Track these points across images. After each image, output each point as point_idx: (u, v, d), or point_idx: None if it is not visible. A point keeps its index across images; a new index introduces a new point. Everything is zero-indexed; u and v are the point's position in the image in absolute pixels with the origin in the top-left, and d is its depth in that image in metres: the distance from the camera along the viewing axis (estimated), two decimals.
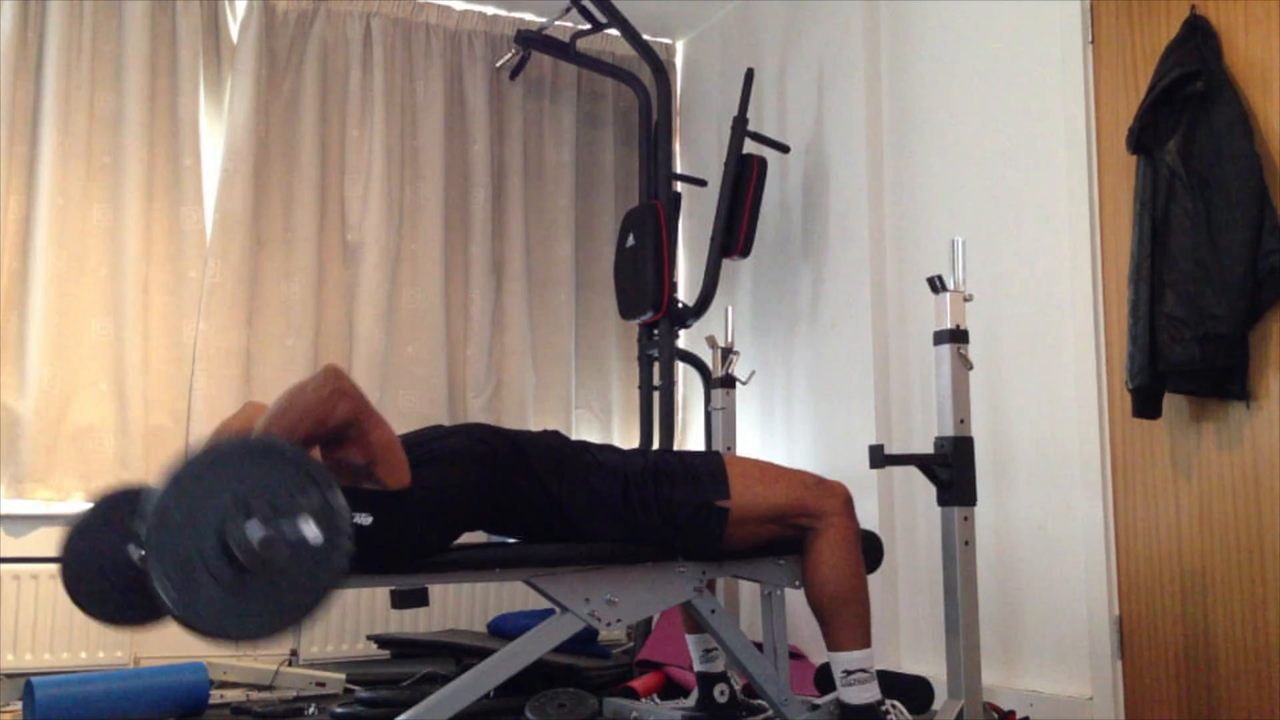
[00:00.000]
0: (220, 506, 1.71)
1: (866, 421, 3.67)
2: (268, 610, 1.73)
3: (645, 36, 4.18)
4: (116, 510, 2.27)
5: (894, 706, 2.46)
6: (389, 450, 2.08)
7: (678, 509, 2.33)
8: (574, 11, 4.20)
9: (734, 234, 3.86)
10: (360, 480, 2.07)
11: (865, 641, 2.36)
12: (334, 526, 1.77)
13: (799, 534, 2.40)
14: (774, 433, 4.13)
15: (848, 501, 2.42)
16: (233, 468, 1.74)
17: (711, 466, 2.39)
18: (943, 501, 2.58)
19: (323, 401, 1.95)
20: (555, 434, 2.46)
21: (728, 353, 3.34)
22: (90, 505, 2.28)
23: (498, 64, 4.47)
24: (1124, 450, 2.91)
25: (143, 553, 2.05)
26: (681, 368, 4.11)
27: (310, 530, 1.75)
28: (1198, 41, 2.68)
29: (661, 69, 4.13)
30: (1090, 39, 3.05)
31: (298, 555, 1.74)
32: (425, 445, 2.19)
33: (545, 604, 2.40)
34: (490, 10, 4.50)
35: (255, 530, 1.70)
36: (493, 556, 2.30)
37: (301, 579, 1.75)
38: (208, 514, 1.70)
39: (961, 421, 2.57)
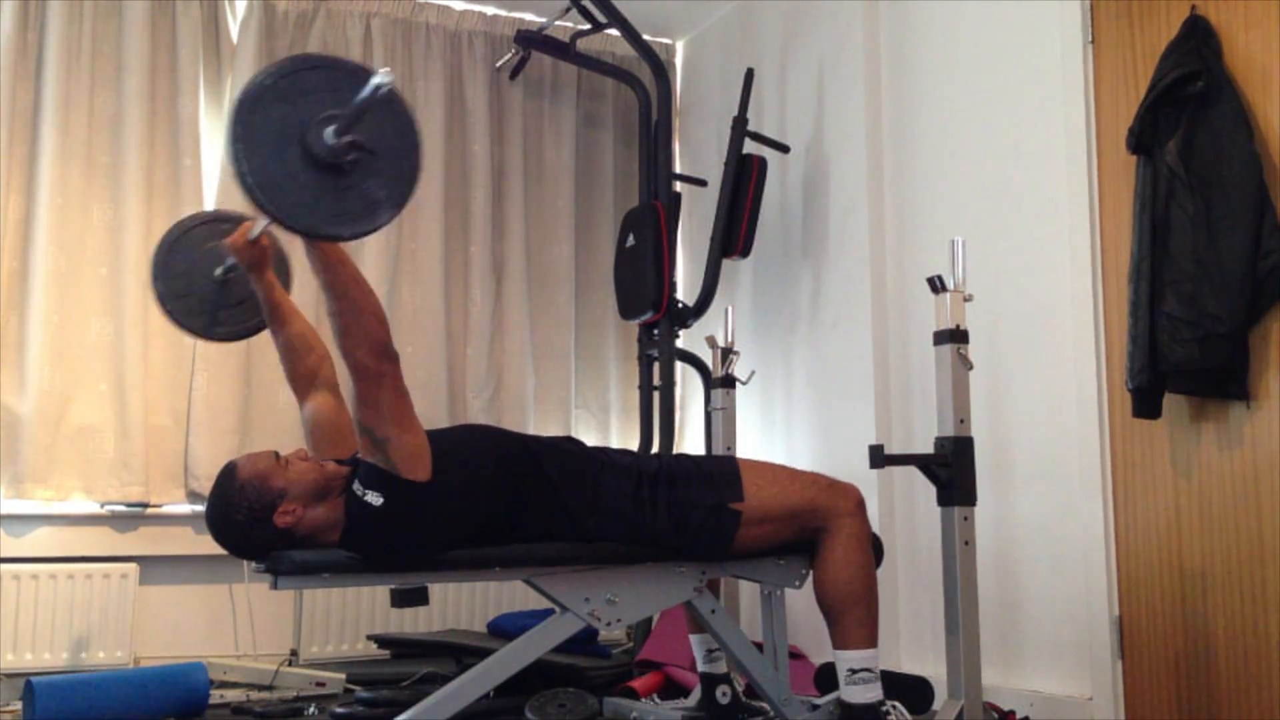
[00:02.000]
0: (297, 118, 1.82)
1: (866, 421, 3.67)
2: (327, 208, 1.84)
3: (645, 36, 4.18)
4: (198, 230, 2.61)
5: (894, 707, 2.46)
6: (410, 451, 2.11)
7: (690, 510, 2.33)
8: (574, 11, 4.20)
9: (734, 234, 3.86)
10: (376, 455, 2.10)
11: (872, 641, 2.37)
12: (407, 125, 1.91)
13: (810, 535, 2.41)
14: (774, 433, 4.13)
15: (860, 503, 2.43)
16: (335, 78, 1.87)
17: (725, 469, 2.41)
18: (943, 501, 2.58)
19: (377, 318, 2.12)
20: (569, 439, 2.47)
21: (728, 353, 3.34)
22: (173, 227, 2.63)
23: (498, 64, 4.46)
24: (1124, 450, 2.91)
25: (227, 270, 2.51)
26: (681, 368, 4.11)
27: (389, 128, 1.88)
28: (1198, 41, 2.68)
29: (661, 69, 4.13)
30: (1090, 39, 3.05)
31: (378, 152, 1.86)
32: (441, 444, 2.19)
33: (545, 604, 2.40)
34: (490, 10, 4.50)
35: (333, 133, 1.81)
36: (493, 556, 2.30)
37: (387, 171, 1.88)
38: (288, 127, 1.81)
39: (961, 421, 2.57)
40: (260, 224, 2.37)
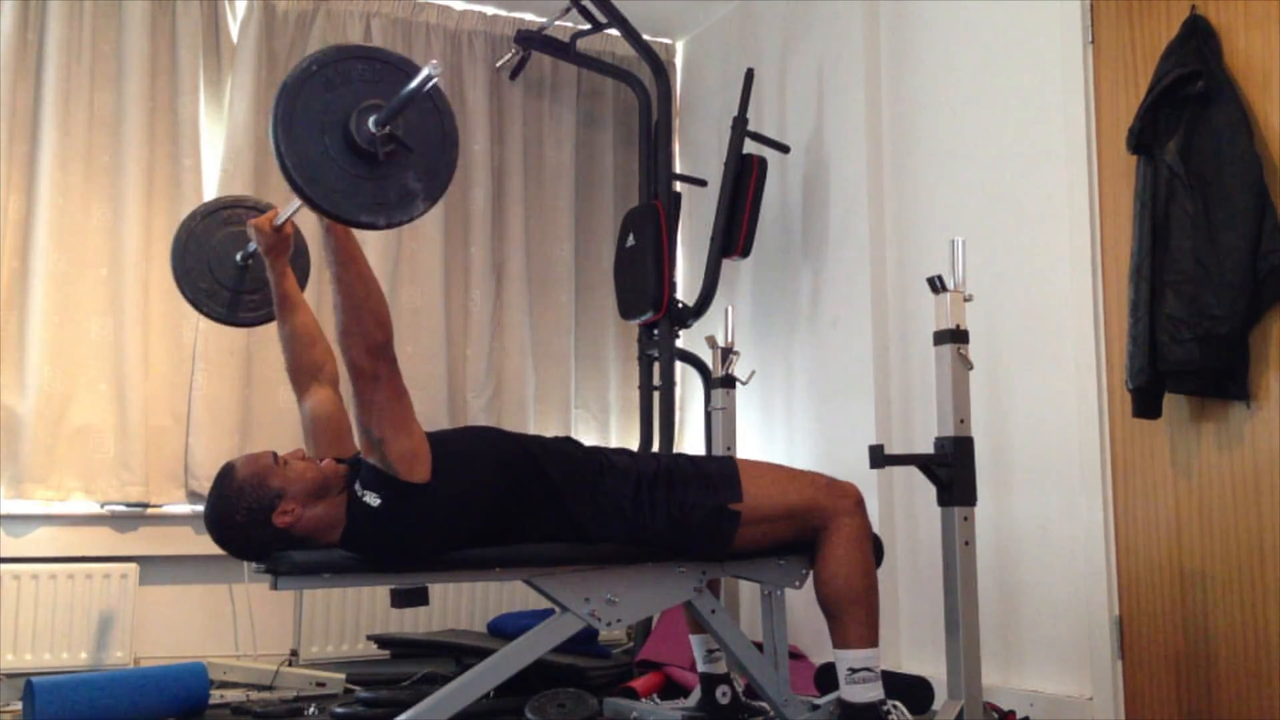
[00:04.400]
0: (339, 105, 1.84)
1: (866, 421, 3.67)
2: (370, 197, 1.86)
3: (645, 36, 4.18)
4: (220, 215, 2.64)
5: (894, 706, 2.46)
6: (407, 453, 2.10)
7: (690, 511, 2.33)
8: (574, 11, 4.20)
9: (734, 234, 3.86)
10: (373, 455, 2.10)
11: (872, 641, 2.37)
12: (447, 119, 1.93)
13: (810, 535, 2.41)
14: (774, 433, 4.13)
15: (859, 502, 2.43)
16: (382, 70, 1.89)
17: (724, 469, 2.41)
18: (943, 501, 2.58)
19: (378, 320, 2.15)
20: (568, 440, 2.47)
21: (728, 353, 3.34)
22: (197, 210, 2.66)
23: (498, 64, 4.46)
24: (1124, 450, 2.91)
25: (246, 255, 2.58)
26: (681, 368, 4.11)
27: (430, 123, 1.90)
28: (1198, 41, 2.68)
29: (661, 69, 4.13)
30: (1090, 39, 3.05)
31: (417, 142, 1.88)
32: (441, 446, 2.19)
33: (545, 604, 2.40)
34: (490, 10, 4.50)
35: (375, 123, 1.83)
36: (493, 556, 2.30)
37: (424, 163, 1.90)
38: (330, 114, 1.84)
39: (961, 421, 2.57)
40: (289, 210, 2.39)
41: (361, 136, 1.83)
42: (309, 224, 2.43)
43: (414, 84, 1.80)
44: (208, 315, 2.70)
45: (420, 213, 1.92)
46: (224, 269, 2.67)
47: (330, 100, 1.84)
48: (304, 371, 2.50)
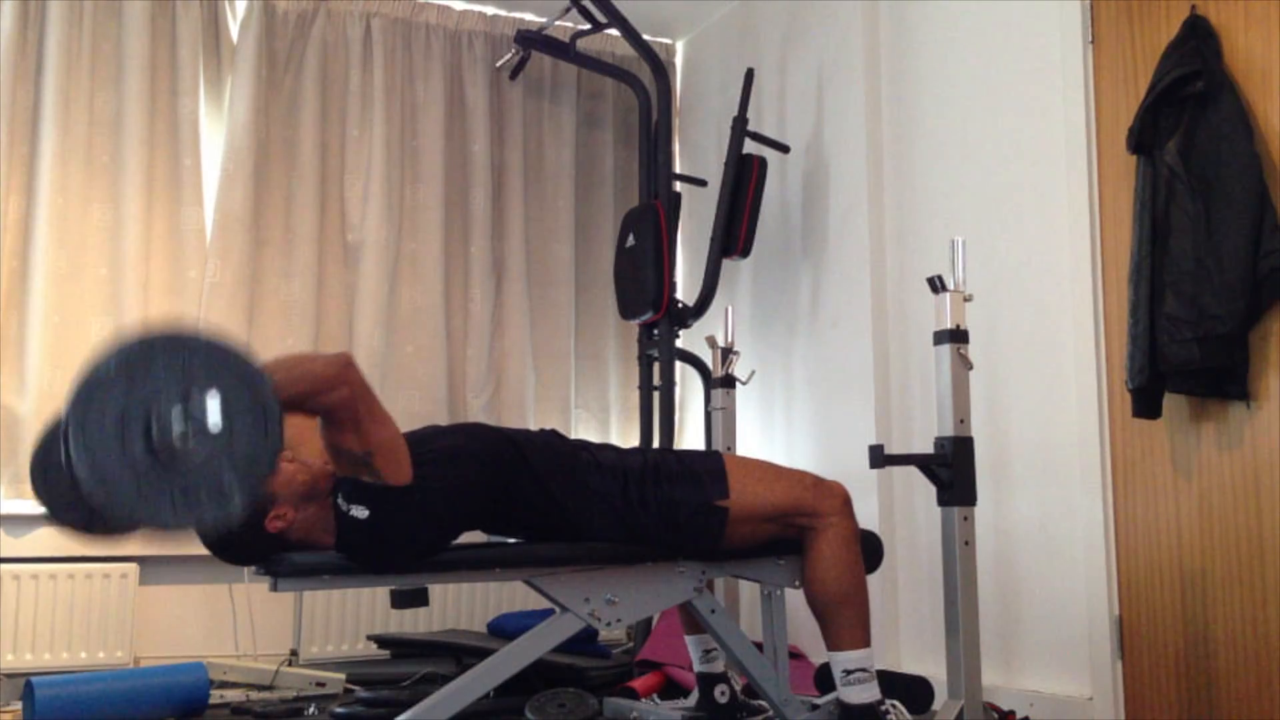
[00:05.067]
0: (150, 390, 1.68)
1: (866, 421, 3.67)
2: (176, 502, 1.69)
3: (645, 36, 4.18)
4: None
5: (894, 706, 2.46)
6: (390, 449, 2.08)
7: (677, 508, 2.33)
8: (574, 11, 4.20)
9: (734, 234, 3.86)
10: (360, 472, 2.07)
11: (865, 641, 2.37)
12: (261, 434, 1.74)
13: (797, 534, 2.41)
14: (774, 433, 4.13)
15: (846, 501, 2.42)
16: (173, 357, 1.71)
17: (711, 466, 2.40)
18: (943, 501, 2.58)
19: (322, 377, 1.97)
20: (553, 433, 2.46)
21: (728, 353, 3.34)
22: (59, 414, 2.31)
23: (498, 64, 4.47)
24: (1124, 450, 2.91)
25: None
26: (681, 368, 4.11)
27: (241, 440, 1.71)
28: (1198, 41, 2.68)
29: (661, 69, 4.13)
30: (1090, 39, 3.05)
31: (217, 457, 1.70)
32: (424, 444, 2.19)
33: (545, 604, 2.40)
34: (490, 10, 4.50)
35: (179, 421, 1.68)
36: (493, 556, 2.30)
37: (216, 482, 1.71)
38: (137, 394, 1.68)
39: (961, 421, 2.57)
40: None
41: (161, 433, 1.68)
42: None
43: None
44: (68, 526, 2.36)
45: (235, 515, 1.75)
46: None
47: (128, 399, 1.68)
48: None
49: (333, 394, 1.97)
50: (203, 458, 1.70)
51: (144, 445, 1.67)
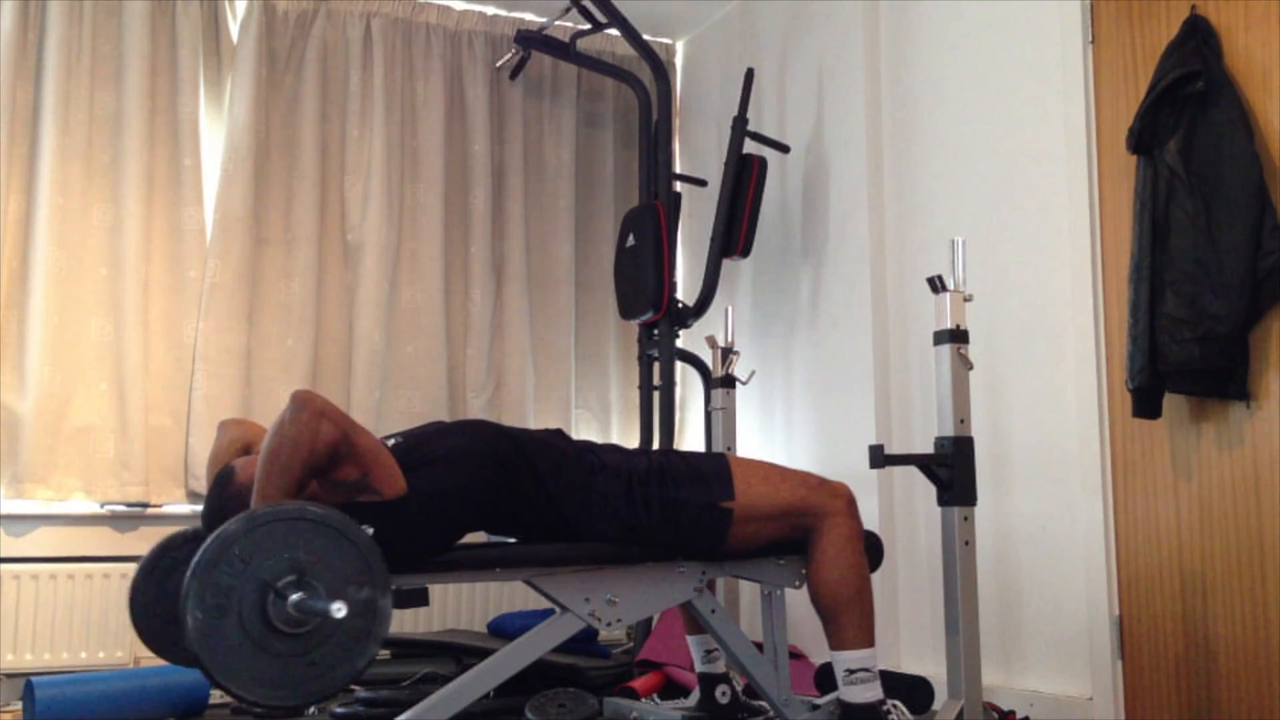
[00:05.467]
0: (274, 566, 1.74)
1: (866, 421, 3.67)
2: (284, 679, 1.75)
3: (645, 36, 4.18)
4: (179, 552, 2.30)
5: (895, 706, 2.46)
6: (377, 458, 2.07)
7: (681, 509, 2.33)
8: (574, 11, 4.20)
9: (734, 234, 3.86)
10: (355, 495, 2.06)
11: (868, 641, 2.37)
12: (372, 623, 1.81)
13: (802, 534, 2.41)
14: (774, 433, 4.13)
15: (851, 501, 2.42)
16: (296, 534, 1.77)
17: (716, 467, 2.40)
18: (943, 501, 2.58)
19: (306, 430, 1.95)
20: (558, 433, 2.46)
21: (728, 353, 3.33)
22: (155, 547, 2.31)
23: (498, 64, 4.47)
24: (1124, 450, 2.91)
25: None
26: (681, 368, 4.11)
27: (349, 620, 1.77)
28: (1198, 41, 2.68)
29: (661, 69, 4.13)
30: (1090, 39, 3.05)
31: (329, 639, 1.77)
32: (427, 444, 2.19)
33: (545, 604, 2.40)
34: (490, 10, 4.50)
35: (298, 599, 1.73)
36: (493, 556, 2.30)
37: (326, 662, 1.78)
38: (259, 567, 1.73)
39: (961, 421, 2.57)
40: None
41: (284, 621, 1.74)
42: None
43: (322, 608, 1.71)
44: (171, 660, 2.35)
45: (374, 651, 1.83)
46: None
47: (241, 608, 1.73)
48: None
49: (322, 435, 1.96)
50: (310, 644, 1.76)
51: (259, 618, 1.73)
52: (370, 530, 2.03)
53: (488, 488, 2.24)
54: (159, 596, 2.28)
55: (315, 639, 1.76)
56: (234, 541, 1.73)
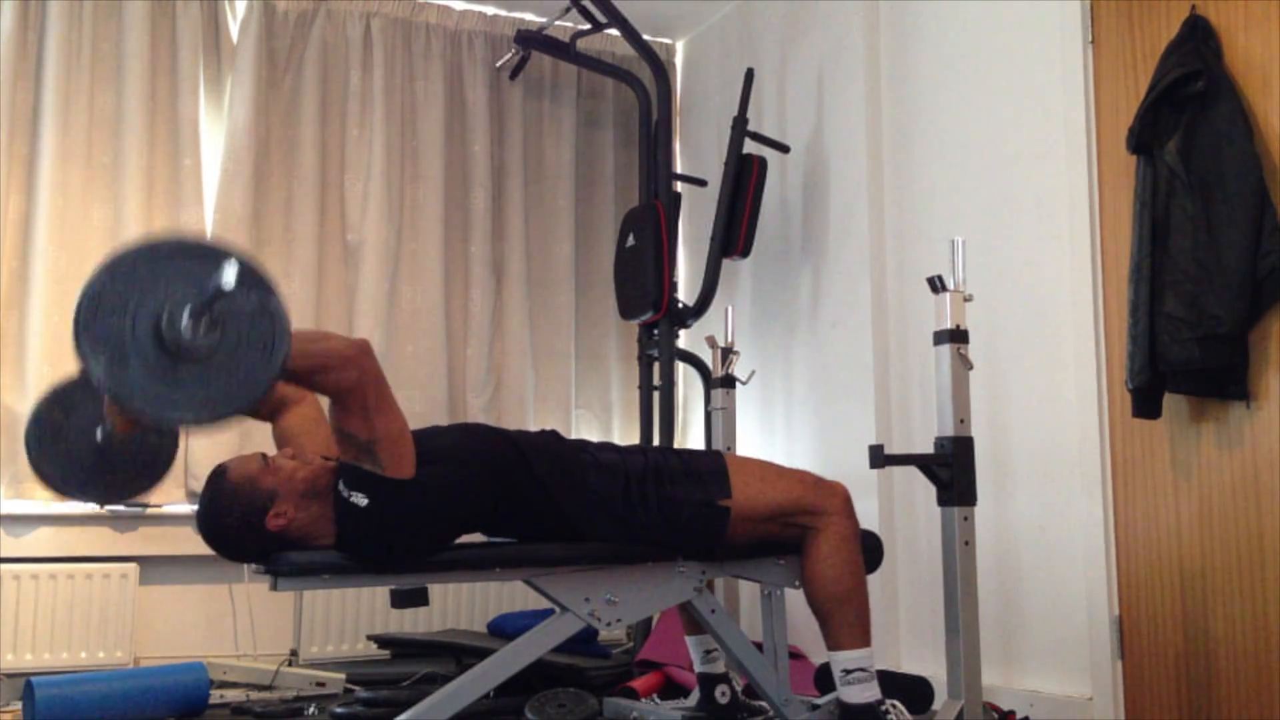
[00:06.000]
0: (156, 296, 1.76)
1: (866, 421, 3.67)
2: (195, 399, 1.76)
3: (645, 36, 4.18)
4: (78, 392, 2.31)
5: (894, 706, 2.46)
6: (395, 441, 2.09)
7: (679, 507, 2.33)
8: (574, 11, 4.20)
9: (734, 234, 3.86)
10: (363, 460, 2.08)
11: (865, 641, 2.37)
12: (268, 327, 1.81)
13: (798, 533, 2.41)
14: (774, 433, 4.13)
15: (847, 501, 2.42)
16: (172, 261, 1.80)
17: (713, 465, 2.40)
18: (943, 501, 2.58)
19: (336, 355, 2.00)
20: (553, 434, 2.46)
21: (728, 353, 3.33)
22: (50, 389, 2.33)
23: (498, 64, 4.47)
24: (1124, 450, 2.91)
25: (105, 432, 2.23)
26: (681, 368, 4.11)
27: (243, 327, 1.79)
28: (1198, 41, 2.68)
29: (661, 69, 4.13)
30: (1090, 39, 3.05)
31: (229, 349, 1.78)
32: (424, 444, 2.19)
33: (545, 604, 2.40)
34: (490, 10, 4.50)
35: (188, 320, 1.74)
36: (493, 556, 2.30)
37: (231, 372, 1.79)
38: (143, 301, 1.75)
39: (961, 421, 2.57)
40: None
41: (180, 339, 1.75)
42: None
43: (214, 284, 1.75)
44: (63, 494, 2.39)
45: (276, 372, 1.83)
46: (84, 451, 2.31)
47: (121, 321, 1.76)
48: (270, 410, 2.44)
49: (341, 374, 2.00)
50: (216, 352, 1.77)
51: (155, 342, 1.74)
52: (365, 500, 2.05)
53: (486, 488, 2.24)
54: (51, 452, 2.29)
55: (224, 350, 1.77)
56: (104, 292, 1.76)
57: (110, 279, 1.77)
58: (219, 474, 2.18)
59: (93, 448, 2.30)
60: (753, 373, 3.72)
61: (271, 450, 2.30)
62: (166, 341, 1.75)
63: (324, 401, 2.16)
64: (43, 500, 3.65)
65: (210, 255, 1.84)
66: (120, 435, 2.28)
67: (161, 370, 1.75)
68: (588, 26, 4.26)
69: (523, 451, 2.30)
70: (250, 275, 1.82)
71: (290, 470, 2.16)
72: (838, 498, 2.41)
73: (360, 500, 2.09)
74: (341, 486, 2.12)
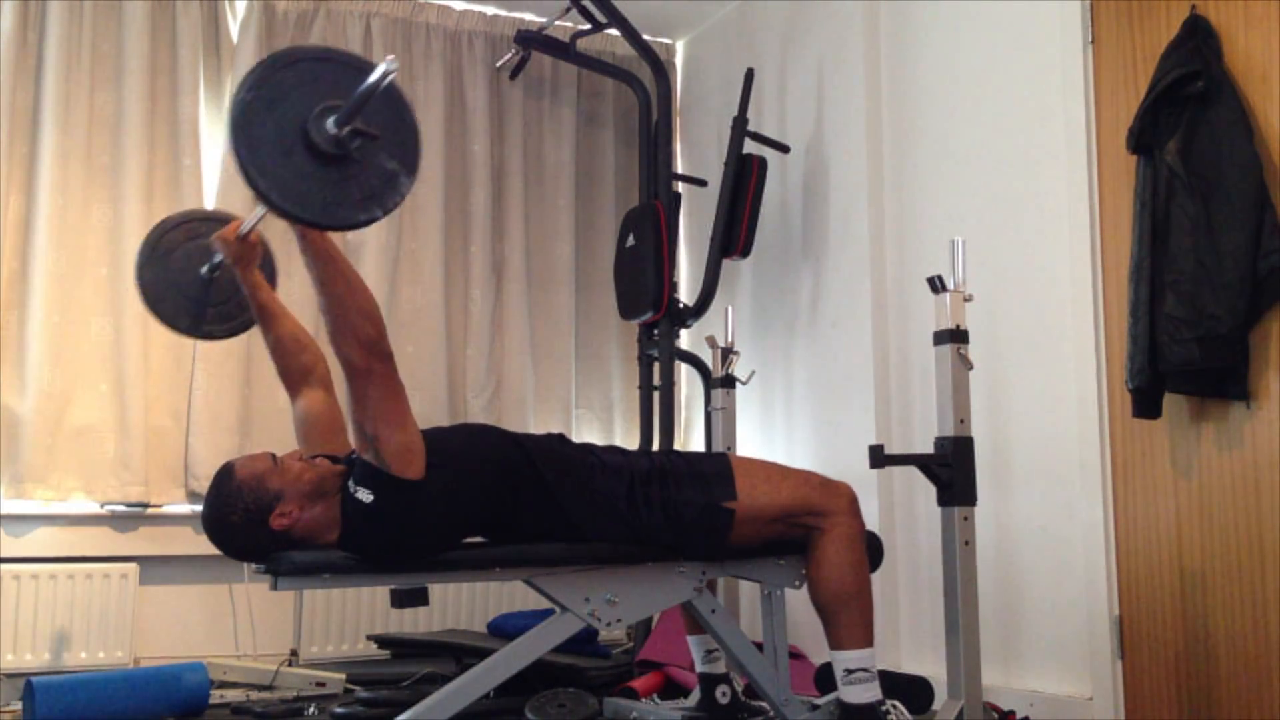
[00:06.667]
0: (304, 99, 1.83)
1: (866, 421, 3.67)
2: (352, 196, 1.87)
3: (645, 36, 4.18)
4: (183, 229, 2.64)
5: (894, 706, 2.46)
6: (400, 436, 2.10)
7: (683, 509, 2.33)
8: (574, 11, 4.20)
9: (734, 234, 3.86)
10: (365, 450, 2.10)
11: (867, 641, 2.37)
12: (406, 130, 1.93)
13: (804, 534, 2.41)
14: (774, 433, 4.13)
15: (853, 501, 2.43)
16: (314, 68, 1.87)
17: (718, 467, 2.40)
18: (943, 501, 2.58)
19: (367, 333, 2.04)
20: (559, 437, 2.46)
21: (728, 353, 3.33)
22: (156, 227, 2.65)
23: (498, 64, 4.46)
24: (1124, 450, 2.91)
25: (213, 267, 2.54)
26: (682, 368, 4.11)
27: (377, 161, 1.89)
28: (1198, 41, 2.68)
29: (661, 69, 4.13)
30: (1090, 39, 3.05)
31: (357, 175, 1.87)
32: (432, 446, 2.19)
33: (545, 604, 2.40)
34: (490, 10, 4.50)
35: (336, 124, 1.82)
36: (493, 556, 2.30)
37: (392, 140, 1.89)
38: (291, 106, 1.82)
39: (961, 421, 2.57)
40: (253, 219, 2.38)
41: (326, 142, 1.83)
42: (274, 227, 2.45)
43: (371, 80, 1.78)
44: (173, 328, 2.70)
45: (408, 188, 1.95)
46: (189, 282, 2.65)
47: (280, 118, 1.82)
48: (294, 376, 2.50)
49: (356, 352, 2.03)
50: (365, 155, 1.87)
51: (311, 156, 1.83)
52: (371, 496, 2.06)
53: (492, 491, 2.25)
54: (164, 275, 2.62)
55: (349, 168, 1.86)
56: (249, 102, 1.80)
57: (255, 90, 1.83)
58: (226, 471, 2.20)
59: (198, 277, 2.64)
60: (753, 373, 3.71)
61: (263, 447, 2.32)
62: (316, 142, 1.82)
63: (340, 394, 2.22)
64: (43, 500, 3.65)
65: (357, 63, 1.90)
66: (222, 274, 2.60)
67: (311, 170, 1.83)
68: (588, 26, 4.26)
69: (529, 454, 2.31)
70: (393, 88, 1.87)
71: (298, 471, 2.18)
72: (844, 498, 2.42)
73: (365, 497, 2.10)
74: (350, 483, 2.13)
